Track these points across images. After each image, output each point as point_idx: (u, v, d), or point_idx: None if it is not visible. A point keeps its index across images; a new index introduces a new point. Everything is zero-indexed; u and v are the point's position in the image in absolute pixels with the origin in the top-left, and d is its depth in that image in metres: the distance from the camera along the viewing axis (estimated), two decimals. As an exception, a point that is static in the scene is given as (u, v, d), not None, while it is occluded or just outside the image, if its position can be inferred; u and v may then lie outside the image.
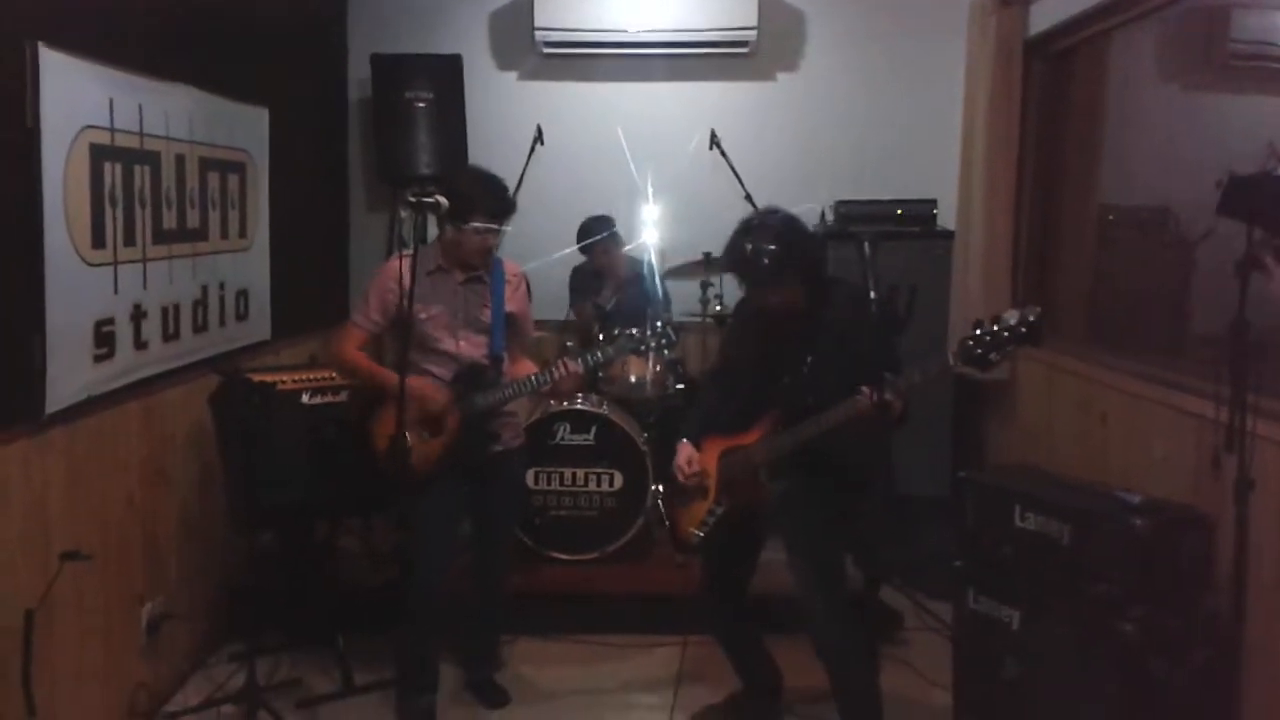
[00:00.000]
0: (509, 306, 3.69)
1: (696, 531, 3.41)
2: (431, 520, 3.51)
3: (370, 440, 3.56)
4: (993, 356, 2.76)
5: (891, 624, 4.22)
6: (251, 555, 4.01)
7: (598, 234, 5.21)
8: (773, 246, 3.07)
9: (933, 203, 5.31)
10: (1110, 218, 4.85)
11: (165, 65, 3.64)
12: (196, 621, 4.00)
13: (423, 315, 3.53)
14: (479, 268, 3.65)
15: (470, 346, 3.60)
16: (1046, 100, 5.05)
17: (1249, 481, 2.68)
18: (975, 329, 2.78)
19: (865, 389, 2.91)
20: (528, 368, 3.77)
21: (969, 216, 5.05)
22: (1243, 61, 4.01)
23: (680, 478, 3.43)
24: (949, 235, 5.23)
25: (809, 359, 3.17)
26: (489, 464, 3.66)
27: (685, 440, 3.48)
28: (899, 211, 5.31)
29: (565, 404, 4.56)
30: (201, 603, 4.04)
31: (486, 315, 3.64)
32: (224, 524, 4.06)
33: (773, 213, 3.22)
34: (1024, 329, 2.71)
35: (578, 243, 5.30)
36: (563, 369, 3.61)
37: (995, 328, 2.74)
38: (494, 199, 3.58)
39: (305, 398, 3.90)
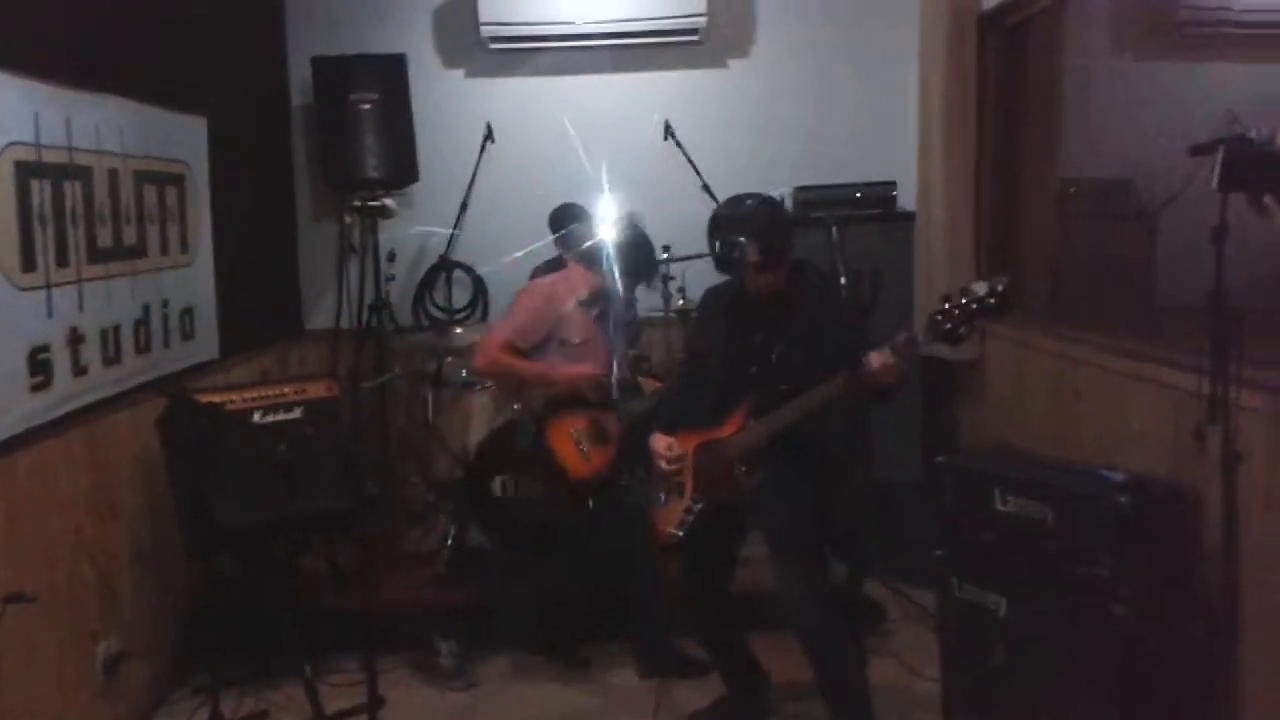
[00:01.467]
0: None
1: (676, 531, 3.31)
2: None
3: (552, 454, 3.78)
4: (962, 330, 2.68)
5: (875, 616, 4.14)
6: (209, 583, 3.85)
7: (572, 220, 5.02)
8: (760, 235, 3.03)
9: (892, 185, 5.24)
10: (1071, 190, 4.81)
11: (94, 76, 3.48)
12: (156, 657, 3.84)
13: (577, 340, 4.02)
14: None
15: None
16: (1002, 75, 4.98)
17: (1236, 454, 2.61)
18: (943, 303, 2.69)
19: (843, 373, 2.82)
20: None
21: (929, 197, 4.98)
22: (1196, 29, 3.97)
23: (663, 465, 3.34)
24: (910, 217, 5.15)
25: (778, 347, 3.08)
26: None
27: (657, 433, 3.39)
28: (858, 195, 5.23)
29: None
30: (161, 637, 3.89)
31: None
32: (179, 552, 3.89)
33: (749, 200, 3.15)
34: (992, 299, 2.64)
35: (552, 232, 5.10)
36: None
37: (963, 300, 2.66)
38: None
39: (257, 416, 3.75)
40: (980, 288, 2.70)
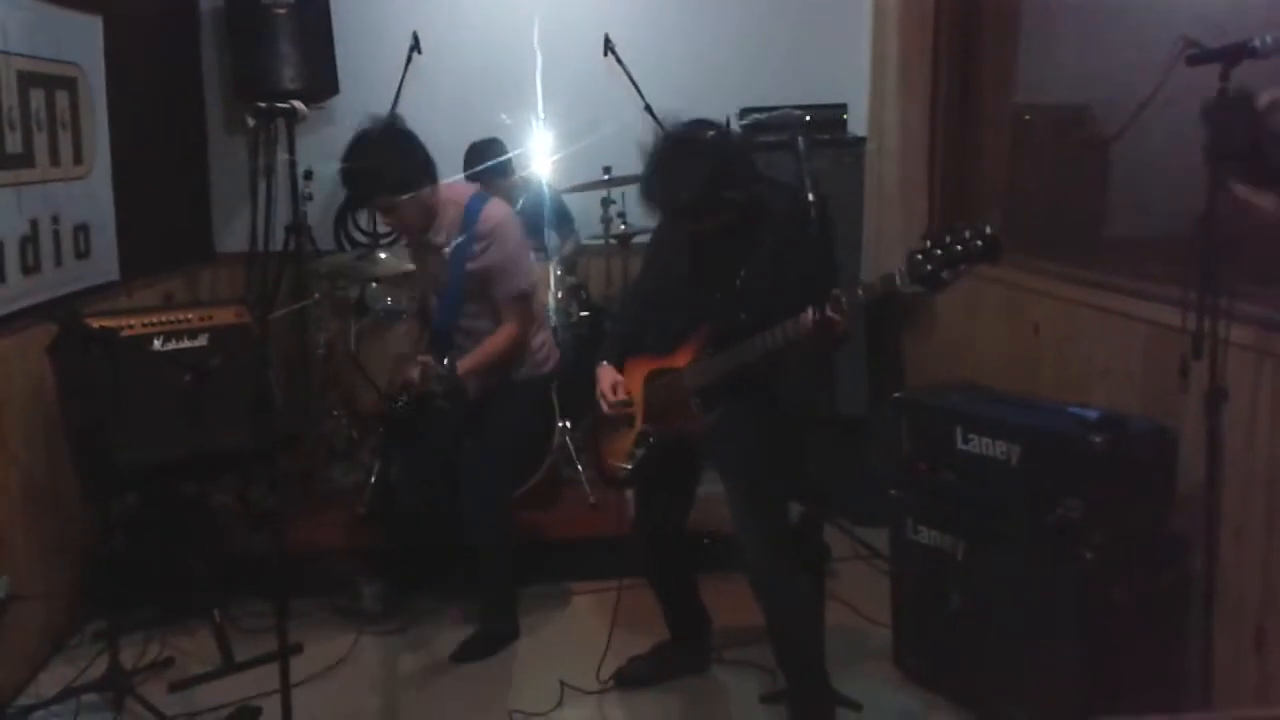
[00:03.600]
0: (470, 266, 3.42)
1: (624, 465, 3.08)
2: None
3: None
4: (945, 274, 2.43)
5: (820, 556, 3.97)
6: (110, 523, 3.55)
7: (486, 161, 4.73)
8: (701, 180, 2.72)
9: (842, 107, 5.02)
10: (1026, 117, 4.63)
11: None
12: (52, 601, 3.54)
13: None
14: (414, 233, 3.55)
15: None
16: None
17: (1223, 391, 2.44)
18: (926, 241, 2.45)
19: (810, 309, 2.58)
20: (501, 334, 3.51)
21: (882, 120, 4.76)
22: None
23: (605, 407, 3.09)
24: (860, 141, 4.93)
25: (742, 272, 2.83)
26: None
27: (605, 364, 3.14)
28: (807, 118, 4.96)
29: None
30: (56, 579, 3.58)
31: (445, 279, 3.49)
32: (77, 489, 3.59)
33: (694, 131, 2.84)
34: (979, 242, 2.39)
35: (464, 171, 4.82)
36: None
37: (948, 240, 2.41)
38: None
39: (157, 343, 3.44)
40: (965, 229, 2.45)
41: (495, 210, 3.49)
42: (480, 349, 3.50)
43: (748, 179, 2.81)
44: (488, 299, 3.50)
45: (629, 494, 3.44)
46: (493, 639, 3.63)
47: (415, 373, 3.38)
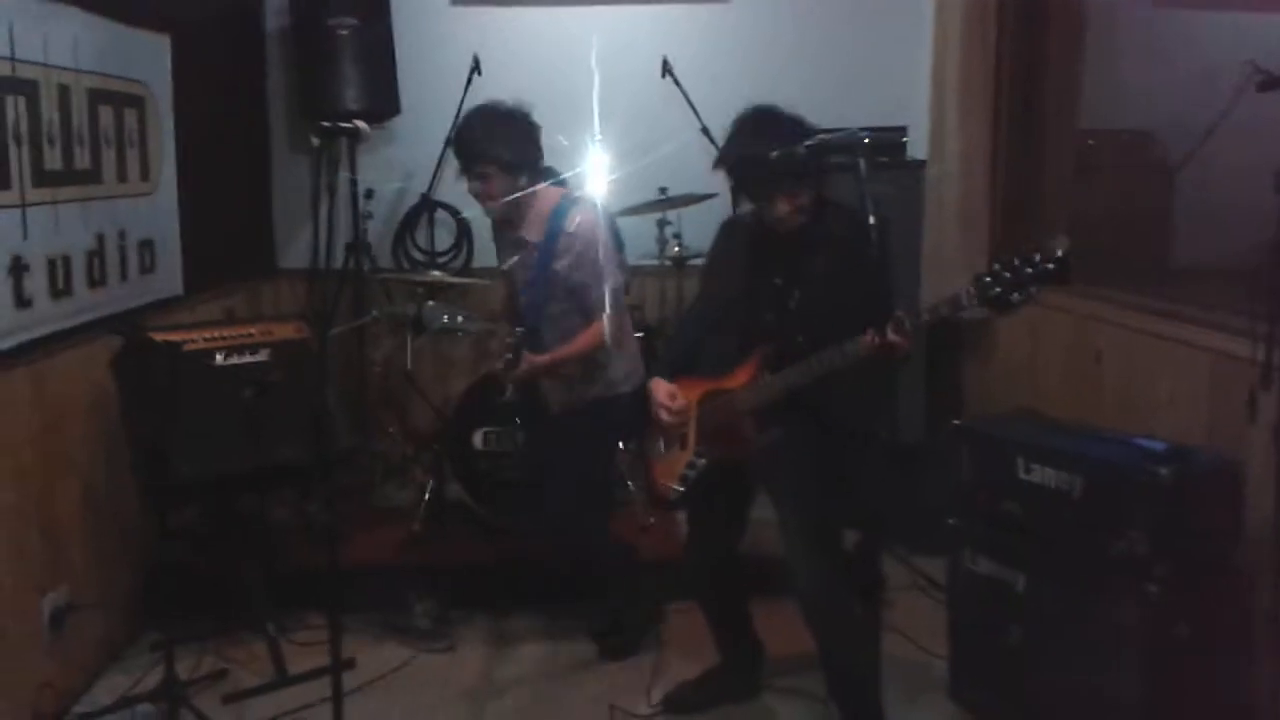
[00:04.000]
0: (556, 265, 3.50)
1: (675, 486, 3.06)
2: None
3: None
4: (1014, 297, 2.38)
5: (876, 585, 3.91)
6: (167, 535, 3.59)
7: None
8: (795, 137, 2.74)
9: (902, 130, 4.97)
10: (1090, 142, 4.57)
11: (43, -18, 3.17)
12: (110, 611, 3.59)
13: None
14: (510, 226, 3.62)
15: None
16: (1022, 17, 4.69)
17: (1292, 424, 2.38)
18: (994, 264, 2.41)
19: (869, 331, 2.56)
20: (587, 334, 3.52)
21: (942, 144, 4.70)
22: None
23: (665, 416, 3.07)
24: (920, 165, 4.88)
25: (798, 293, 2.81)
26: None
27: (657, 379, 3.13)
28: (866, 140, 4.93)
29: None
30: (115, 589, 3.63)
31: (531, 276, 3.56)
32: (137, 502, 3.63)
33: (774, 110, 2.90)
34: (1051, 264, 2.34)
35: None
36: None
37: (1017, 263, 2.37)
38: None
39: (219, 358, 3.48)
40: (1038, 251, 2.41)
41: (583, 214, 3.52)
42: (565, 345, 3.53)
43: (821, 167, 2.83)
44: (575, 299, 3.52)
45: (680, 516, 3.42)
46: (628, 631, 3.70)
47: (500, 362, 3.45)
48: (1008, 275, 2.36)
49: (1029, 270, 2.34)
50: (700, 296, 3.34)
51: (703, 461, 3.03)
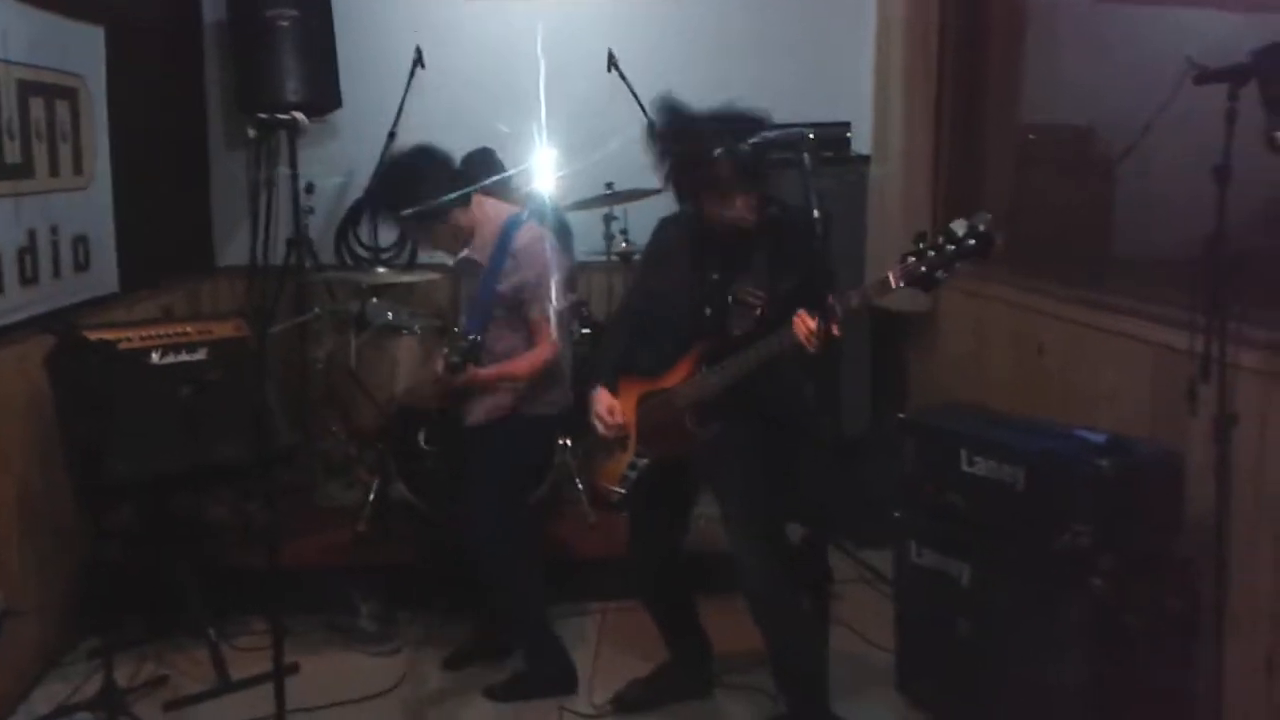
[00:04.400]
0: (500, 287, 3.34)
1: (617, 489, 3.04)
2: None
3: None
4: (939, 275, 2.42)
5: (823, 579, 3.93)
6: (103, 537, 3.51)
7: (480, 170, 4.68)
8: (745, 147, 2.71)
9: (846, 125, 4.99)
10: (1031, 137, 4.61)
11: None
12: (46, 616, 3.50)
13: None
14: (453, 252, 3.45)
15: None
16: (965, 13, 4.73)
17: (1232, 416, 2.41)
18: (918, 243, 2.43)
19: (798, 316, 2.56)
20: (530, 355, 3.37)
21: (886, 139, 4.73)
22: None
23: (602, 430, 3.05)
24: (864, 160, 4.90)
25: (734, 287, 2.82)
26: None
27: (601, 388, 3.09)
28: (810, 136, 4.94)
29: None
30: (51, 594, 3.54)
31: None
32: (73, 503, 3.55)
33: (731, 112, 2.85)
34: (973, 240, 2.38)
35: (460, 182, 4.74)
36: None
37: (940, 240, 2.40)
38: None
39: (155, 356, 3.41)
40: (959, 227, 2.44)
41: (528, 232, 3.39)
42: (509, 361, 3.39)
43: (763, 165, 2.81)
44: (520, 320, 3.40)
45: (624, 516, 3.39)
46: (537, 682, 3.45)
47: (439, 364, 3.24)
48: (932, 254, 2.39)
49: (952, 248, 2.37)
50: (634, 291, 3.32)
51: (644, 462, 3.02)
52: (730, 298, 2.85)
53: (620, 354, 3.17)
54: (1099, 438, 2.79)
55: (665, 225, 3.14)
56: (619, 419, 3.04)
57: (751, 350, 2.75)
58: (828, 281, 2.63)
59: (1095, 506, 2.66)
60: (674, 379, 2.97)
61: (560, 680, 3.44)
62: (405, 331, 4.25)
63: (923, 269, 2.45)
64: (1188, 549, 2.74)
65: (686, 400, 2.93)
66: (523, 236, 3.36)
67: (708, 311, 2.89)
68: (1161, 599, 2.69)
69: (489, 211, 3.44)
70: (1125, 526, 2.67)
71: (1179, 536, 2.75)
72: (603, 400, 3.07)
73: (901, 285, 2.53)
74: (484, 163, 4.63)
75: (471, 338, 3.22)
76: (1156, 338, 3.01)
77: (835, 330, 2.55)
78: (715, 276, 2.89)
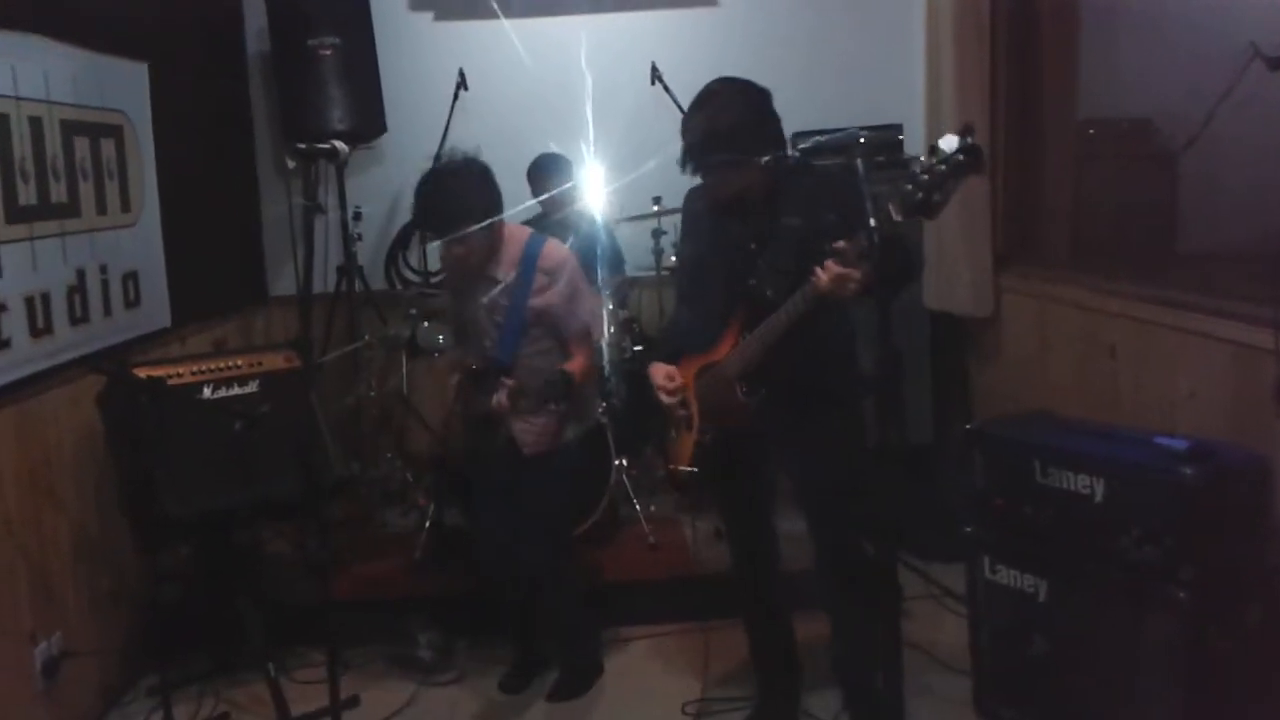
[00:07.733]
0: (534, 301, 3.32)
1: (689, 468, 3.02)
2: None
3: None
4: (936, 197, 2.30)
5: (895, 598, 3.80)
6: (161, 574, 3.50)
7: (550, 174, 4.64)
8: (743, 107, 2.73)
9: (898, 128, 4.88)
10: (1091, 131, 4.47)
11: (13, 13, 3.08)
12: (105, 656, 3.49)
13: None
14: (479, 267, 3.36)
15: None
16: (1016, 7, 4.60)
17: (1324, 416, 2.28)
18: (910, 171, 2.33)
19: (817, 269, 2.50)
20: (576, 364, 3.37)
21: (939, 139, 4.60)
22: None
23: (665, 397, 3.03)
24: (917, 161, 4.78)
25: (766, 253, 2.78)
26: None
27: (655, 363, 3.09)
28: (862, 140, 4.83)
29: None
30: (110, 634, 3.53)
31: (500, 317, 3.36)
32: (129, 542, 3.54)
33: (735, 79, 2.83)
34: (962, 155, 2.25)
35: (531, 186, 4.71)
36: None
37: (933, 162, 2.29)
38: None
39: (206, 391, 3.38)
40: (948, 143, 2.31)
41: (557, 249, 3.39)
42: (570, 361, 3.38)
43: (778, 138, 2.80)
44: (552, 334, 3.39)
45: (688, 533, 3.32)
46: (580, 676, 3.59)
47: (503, 397, 3.19)
48: (925, 178, 2.27)
49: (943, 167, 2.26)
50: (678, 274, 3.31)
51: (709, 437, 2.99)
52: (760, 263, 2.80)
53: (679, 334, 3.15)
54: (1180, 444, 2.65)
55: (692, 198, 3.08)
56: (678, 382, 3.02)
57: (782, 310, 2.70)
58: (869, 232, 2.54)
59: (1178, 516, 2.52)
60: (721, 351, 2.93)
61: (598, 668, 3.65)
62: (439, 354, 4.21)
63: (919, 196, 2.31)
64: (1272, 558, 2.60)
65: (735, 369, 2.89)
66: (550, 252, 3.36)
67: (746, 280, 2.84)
68: (1249, 611, 2.54)
69: (510, 230, 3.41)
70: (1210, 536, 2.53)
71: (1267, 545, 2.61)
72: (659, 371, 3.06)
73: (902, 216, 2.40)
74: (552, 168, 4.61)
75: (494, 361, 3.29)
76: (1237, 336, 2.86)
77: (853, 276, 2.47)
78: (751, 245, 2.84)
